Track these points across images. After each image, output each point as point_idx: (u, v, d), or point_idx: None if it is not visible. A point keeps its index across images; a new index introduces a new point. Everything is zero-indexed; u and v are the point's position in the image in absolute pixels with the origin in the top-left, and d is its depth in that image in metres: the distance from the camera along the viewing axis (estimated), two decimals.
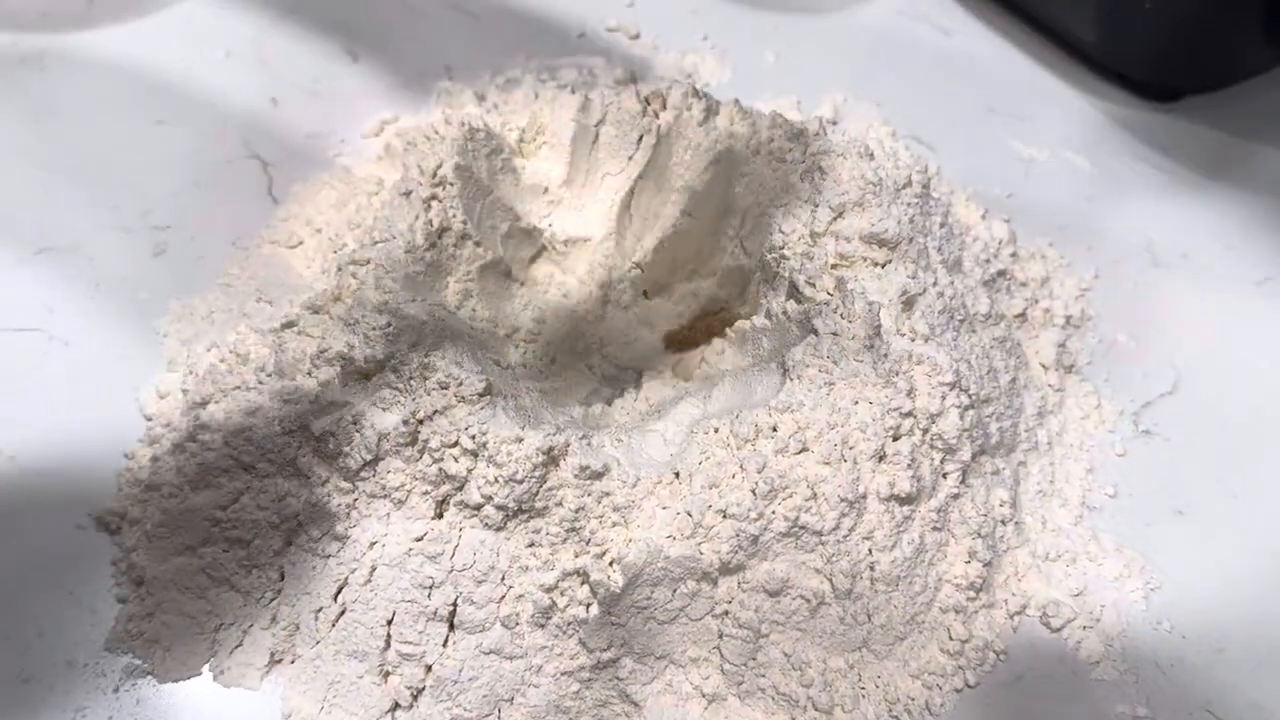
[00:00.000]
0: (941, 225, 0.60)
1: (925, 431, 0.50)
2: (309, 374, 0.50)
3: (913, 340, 0.52)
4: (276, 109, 0.75)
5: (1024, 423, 0.57)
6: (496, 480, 0.47)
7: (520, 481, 0.47)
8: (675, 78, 0.78)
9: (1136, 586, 0.53)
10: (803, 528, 0.47)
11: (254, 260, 0.63)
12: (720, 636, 0.48)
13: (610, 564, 0.47)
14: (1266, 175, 0.76)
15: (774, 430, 0.49)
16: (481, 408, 0.48)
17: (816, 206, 0.56)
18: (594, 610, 0.47)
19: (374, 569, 0.48)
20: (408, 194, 0.59)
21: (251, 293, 0.60)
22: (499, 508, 0.47)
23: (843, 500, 0.47)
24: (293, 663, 0.49)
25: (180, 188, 0.69)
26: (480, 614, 0.48)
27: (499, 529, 0.48)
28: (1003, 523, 0.53)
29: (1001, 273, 0.63)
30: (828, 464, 0.48)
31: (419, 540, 0.48)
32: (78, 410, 0.58)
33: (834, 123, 0.74)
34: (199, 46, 0.79)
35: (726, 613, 0.48)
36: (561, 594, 0.47)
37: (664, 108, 0.65)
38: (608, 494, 0.48)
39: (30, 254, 0.65)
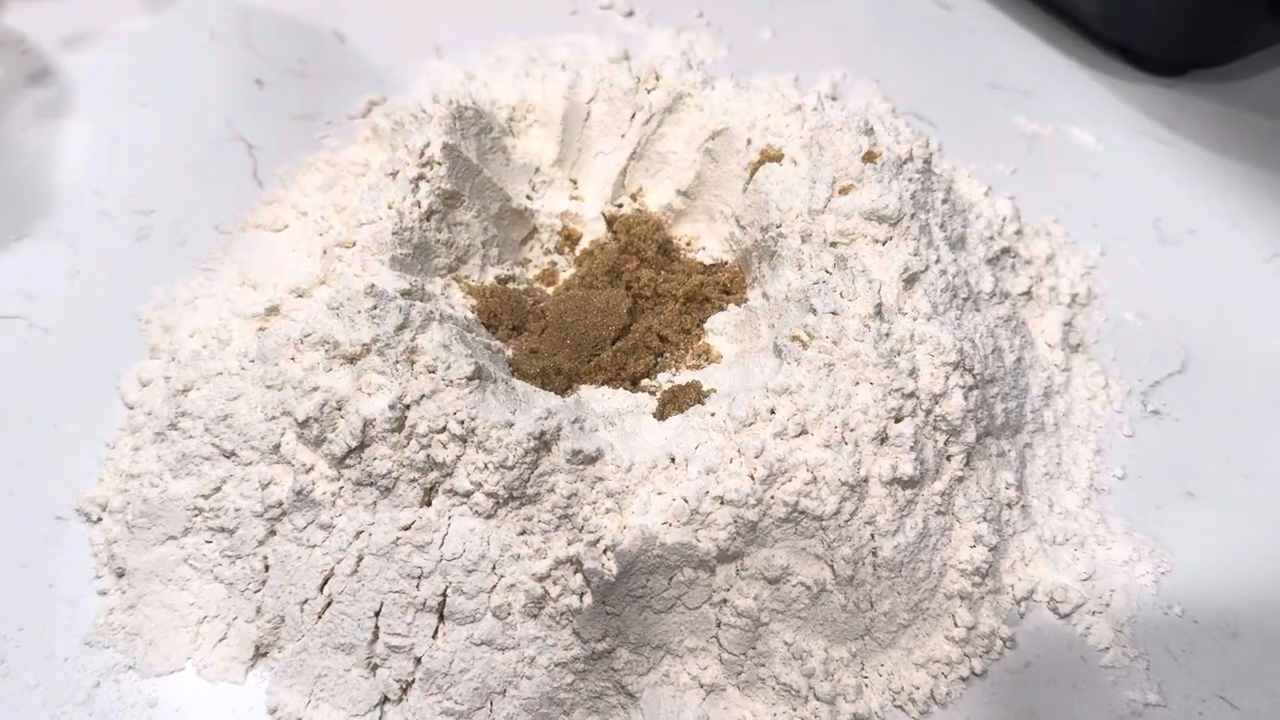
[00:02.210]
0: (944, 202, 0.59)
1: (928, 413, 0.49)
2: (293, 359, 0.49)
3: (915, 319, 0.51)
4: (262, 90, 0.74)
5: (1030, 403, 0.56)
6: (486, 466, 0.46)
7: (511, 467, 0.46)
8: (669, 55, 0.76)
9: (1146, 570, 0.52)
10: (803, 513, 0.46)
11: (238, 244, 0.62)
12: (718, 625, 0.47)
13: (604, 552, 0.45)
14: (1274, 150, 0.75)
15: (772, 413, 0.47)
16: (471, 392, 0.47)
17: (815, 183, 0.55)
18: (588, 599, 0.46)
19: (361, 559, 0.47)
20: (394, 174, 0.57)
21: (235, 278, 0.58)
22: (489, 495, 0.46)
23: (844, 484, 0.46)
24: (278, 656, 0.48)
25: (163, 171, 0.68)
26: (471, 604, 0.46)
27: (489, 517, 0.47)
28: (1009, 506, 0.52)
29: (1006, 250, 0.62)
30: (828, 447, 0.47)
31: (407, 529, 0.47)
32: (58, 398, 0.57)
33: (833, 99, 0.73)
34: (182, 27, 0.78)
35: (725, 601, 0.47)
36: (554, 583, 0.46)
37: (657, 86, 0.64)
38: (601, 479, 0.47)
39: (10, 240, 0.64)
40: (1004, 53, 0.82)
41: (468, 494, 0.46)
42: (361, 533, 0.47)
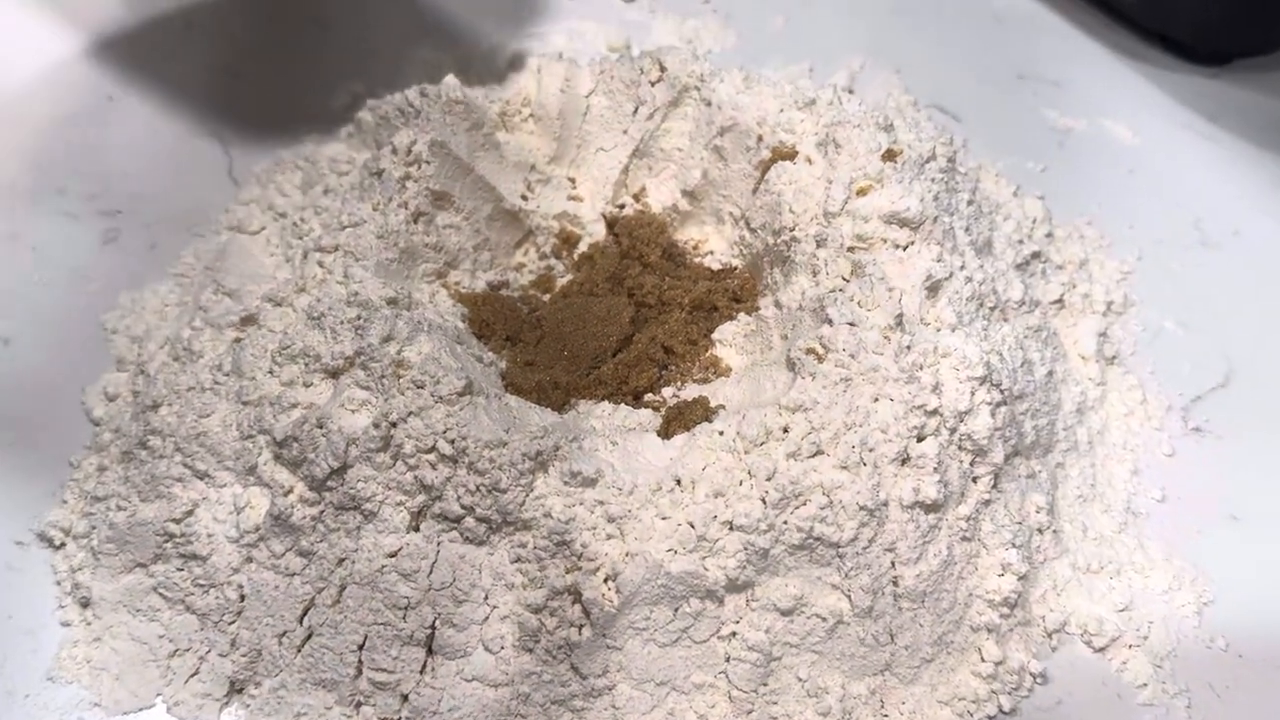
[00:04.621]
0: (969, 203, 0.59)
1: (953, 431, 0.49)
2: (270, 373, 0.50)
3: (938, 330, 0.51)
4: (237, 82, 0.74)
5: (1062, 420, 0.56)
6: (478, 489, 0.46)
7: (504, 490, 0.46)
8: (674, 44, 0.77)
9: (1187, 600, 0.52)
10: (818, 539, 0.46)
11: (211, 248, 0.62)
12: (728, 660, 0.47)
13: (605, 581, 0.46)
14: None
15: (785, 432, 0.48)
16: (461, 408, 0.47)
17: (831, 183, 0.55)
18: (587, 632, 0.46)
19: (343, 588, 0.47)
20: (379, 174, 0.58)
21: (208, 284, 0.58)
22: (481, 519, 0.46)
23: (862, 509, 0.46)
24: (255, 692, 0.48)
25: (132, 169, 0.68)
26: (461, 637, 0.47)
27: (481, 543, 0.47)
28: (1039, 531, 0.52)
29: (1036, 255, 0.62)
30: (845, 469, 0.47)
31: (393, 556, 0.47)
32: (18, 414, 0.57)
33: (850, 91, 0.73)
34: (155, 14, 0.78)
35: (734, 634, 0.47)
36: (551, 614, 0.46)
37: (661, 77, 0.64)
38: (601, 503, 0.47)
39: None
40: (1034, 41, 0.82)
41: (458, 518, 0.47)
42: (344, 560, 0.47)
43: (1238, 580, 0.53)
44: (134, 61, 0.75)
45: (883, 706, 0.48)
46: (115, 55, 0.75)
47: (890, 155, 0.56)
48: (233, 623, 0.48)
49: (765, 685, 0.47)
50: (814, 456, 0.47)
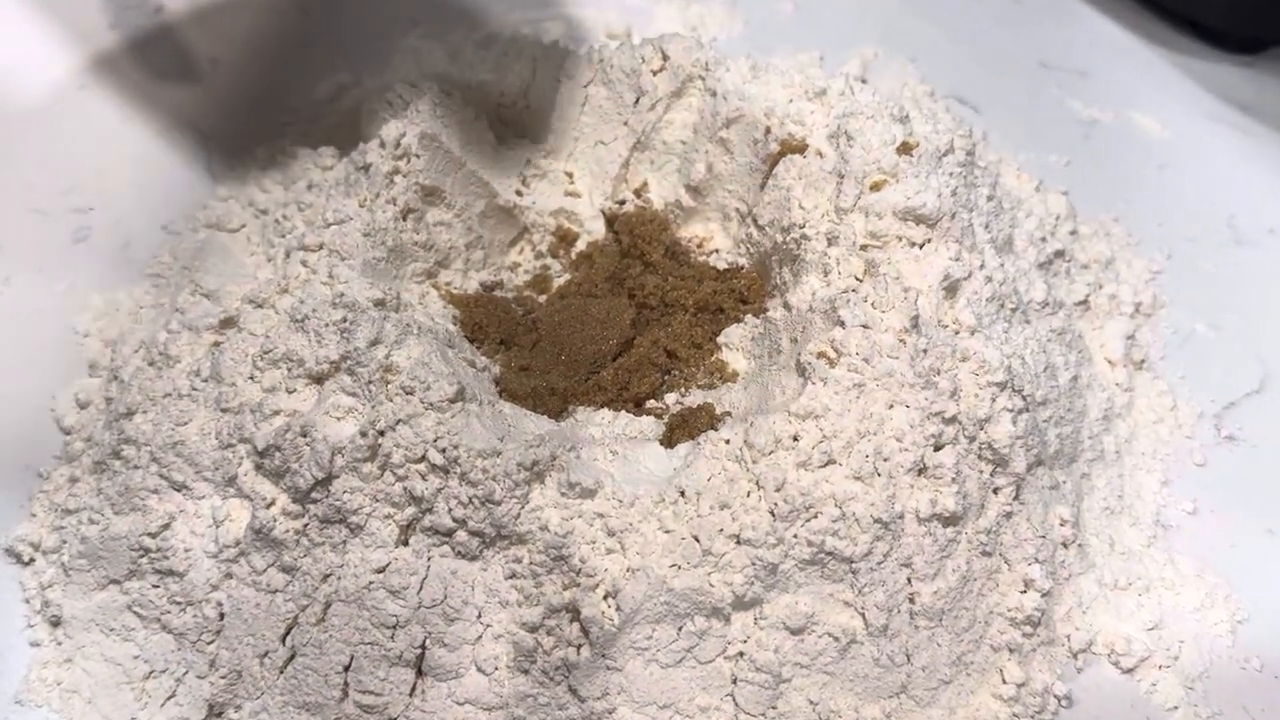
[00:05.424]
0: (989, 198, 0.59)
1: (972, 440, 0.49)
2: (251, 378, 0.50)
3: (957, 333, 0.51)
4: (216, 71, 0.74)
5: (1087, 428, 0.56)
6: (470, 501, 0.46)
7: (498, 502, 0.46)
8: (678, 31, 0.77)
9: (1221, 618, 0.53)
10: (830, 554, 0.46)
11: (188, 247, 0.62)
12: (734, 682, 0.47)
13: (604, 598, 0.46)
14: None
15: (795, 440, 0.48)
16: (452, 416, 0.47)
17: (843, 178, 0.55)
18: (585, 652, 0.46)
19: (328, 606, 0.47)
20: (366, 168, 0.58)
21: (185, 284, 0.59)
22: (473, 533, 0.47)
23: (876, 521, 0.46)
24: (235, 716, 0.48)
25: (105, 163, 0.68)
26: (452, 658, 0.47)
27: (474, 558, 0.47)
28: (1064, 545, 0.52)
29: (1059, 253, 0.62)
30: (858, 479, 0.47)
31: (380, 572, 0.47)
32: None
33: (863, 81, 0.73)
34: None
35: (741, 654, 0.47)
36: (548, 634, 0.46)
37: (664, 66, 0.64)
38: (601, 515, 0.47)
39: None
40: (1057, 28, 0.82)
41: (449, 532, 0.47)
42: (329, 576, 0.47)
43: (1273, 597, 0.53)
44: (107, 49, 0.75)
45: None
46: (87, 42, 0.75)
47: (905, 148, 0.56)
48: (211, 642, 0.49)
49: (774, 708, 0.47)
50: (825, 466, 0.47)
